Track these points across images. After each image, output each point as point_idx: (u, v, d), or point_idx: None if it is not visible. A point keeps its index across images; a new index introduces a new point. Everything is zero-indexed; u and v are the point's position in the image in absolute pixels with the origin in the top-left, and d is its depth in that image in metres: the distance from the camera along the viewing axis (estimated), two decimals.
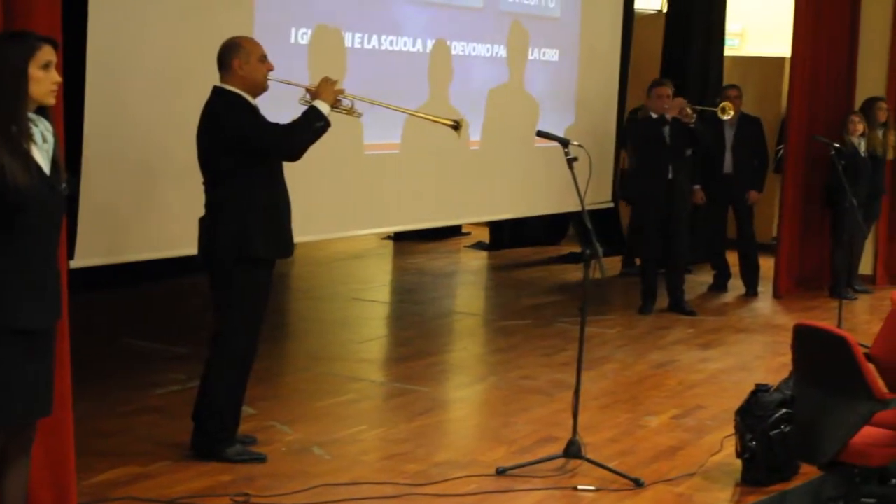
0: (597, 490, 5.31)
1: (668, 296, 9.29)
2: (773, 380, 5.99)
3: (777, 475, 5.46)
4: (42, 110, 3.85)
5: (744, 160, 10.00)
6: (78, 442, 4.63)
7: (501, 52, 8.91)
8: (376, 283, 10.72)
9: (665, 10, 12.00)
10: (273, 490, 5.10)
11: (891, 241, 10.90)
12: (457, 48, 8.47)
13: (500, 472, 5.44)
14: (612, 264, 10.51)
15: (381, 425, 6.21)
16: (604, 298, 9.59)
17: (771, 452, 5.40)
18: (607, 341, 8.24)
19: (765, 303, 9.98)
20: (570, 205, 7.31)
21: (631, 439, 6.10)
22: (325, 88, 5.40)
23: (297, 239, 5.58)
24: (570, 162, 5.60)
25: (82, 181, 5.90)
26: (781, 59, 12.07)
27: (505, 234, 12.12)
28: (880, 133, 10.16)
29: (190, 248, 5.56)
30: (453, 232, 12.59)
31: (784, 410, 5.39)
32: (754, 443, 5.41)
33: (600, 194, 10.04)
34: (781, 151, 10.85)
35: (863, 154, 9.92)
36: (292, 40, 7.14)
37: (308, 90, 5.49)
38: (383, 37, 7.83)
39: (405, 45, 8.03)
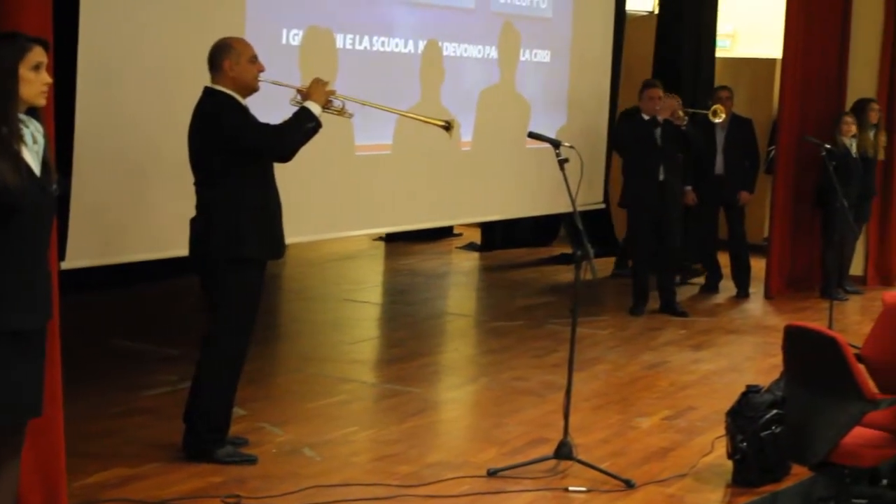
0: (588, 491, 5.30)
1: (660, 297, 9.30)
2: (764, 381, 6.01)
3: (768, 476, 5.46)
4: (33, 111, 3.85)
5: (735, 161, 10.01)
6: (68, 443, 4.63)
7: (493, 52, 8.91)
8: (368, 284, 10.70)
9: (656, 11, 12.00)
10: (264, 491, 5.09)
11: (881, 243, 10.90)
12: (448, 49, 8.47)
13: (492, 474, 5.44)
14: (604, 265, 10.51)
15: (373, 426, 6.20)
16: (595, 299, 9.58)
17: (762, 453, 5.41)
18: (599, 342, 8.24)
19: (756, 304, 9.99)
20: (562, 206, 7.29)
21: (622, 440, 6.10)
22: (317, 89, 5.39)
23: (288, 240, 5.57)
24: (562, 163, 5.59)
25: (73, 182, 5.90)
26: (773, 61, 12.09)
27: (496, 235, 12.11)
28: (871, 134, 10.17)
29: (181, 248, 5.54)
30: (445, 233, 12.57)
31: (775, 411, 5.40)
32: (745, 444, 5.41)
33: (592, 195, 10.05)
34: (773, 152, 10.86)
35: (854, 155, 9.93)
36: (284, 41, 7.14)
37: (299, 91, 5.49)
38: (374, 38, 7.83)
39: (396, 45, 8.02)
